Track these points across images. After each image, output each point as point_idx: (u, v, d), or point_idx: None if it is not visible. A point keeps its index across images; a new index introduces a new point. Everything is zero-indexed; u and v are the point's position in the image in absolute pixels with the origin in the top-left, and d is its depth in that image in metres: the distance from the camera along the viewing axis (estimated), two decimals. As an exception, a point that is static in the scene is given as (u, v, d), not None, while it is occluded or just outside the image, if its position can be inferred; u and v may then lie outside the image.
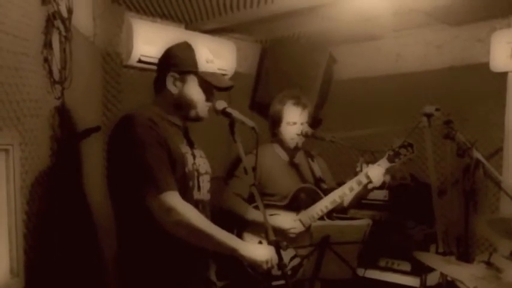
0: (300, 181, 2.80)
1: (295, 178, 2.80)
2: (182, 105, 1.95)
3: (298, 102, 2.77)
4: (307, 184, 2.79)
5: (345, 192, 2.65)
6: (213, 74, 1.97)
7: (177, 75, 1.93)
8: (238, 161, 2.72)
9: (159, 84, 1.97)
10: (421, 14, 3.04)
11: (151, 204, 1.75)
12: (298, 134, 2.75)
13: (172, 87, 1.93)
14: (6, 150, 1.57)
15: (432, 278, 2.79)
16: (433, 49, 3.41)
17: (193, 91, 1.95)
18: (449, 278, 2.50)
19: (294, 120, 2.75)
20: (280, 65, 3.65)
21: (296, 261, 2.35)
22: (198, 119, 2.00)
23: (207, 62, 1.96)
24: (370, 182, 2.62)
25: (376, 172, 2.62)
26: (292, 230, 2.62)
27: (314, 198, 2.71)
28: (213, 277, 2.04)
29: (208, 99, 1.98)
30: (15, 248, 1.61)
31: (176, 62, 1.94)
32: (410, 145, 2.63)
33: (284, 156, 2.85)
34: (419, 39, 3.47)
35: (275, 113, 2.81)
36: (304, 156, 2.94)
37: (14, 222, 1.60)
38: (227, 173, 2.89)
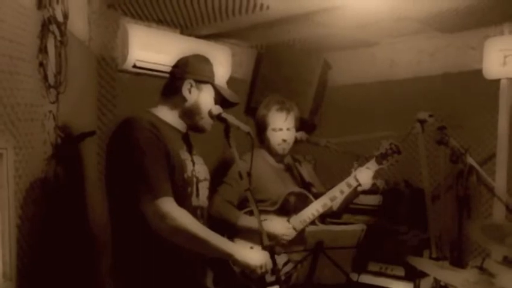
0: (289, 186, 2.79)
1: (285, 183, 2.79)
2: (192, 113, 1.99)
3: (282, 108, 2.76)
4: (297, 188, 2.79)
5: (335, 195, 2.65)
6: (226, 89, 2.06)
7: (193, 83, 1.96)
8: (224, 166, 2.72)
9: (171, 89, 1.99)
10: (414, 21, 3.07)
11: (146, 209, 1.75)
12: (284, 140, 2.75)
13: (187, 93, 1.96)
14: (0, 154, 1.57)
15: (426, 283, 2.79)
16: (427, 56, 3.44)
17: (208, 101, 2.00)
18: (442, 283, 2.50)
19: (279, 127, 2.75)
20: (275, 71, 3.66)
21: (289, 266, 2.35)
22: (202, 130, 2.03)
23: (221, 77, 2.01)
24: (360, 184, 2.63)
25: (365, 174, 2.63)
26: (284, 237, 2.61)
27: (304, 202, 2.70)
28: (209, 284, 2.04)
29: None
30: (8, 252, 1.60)
31: (196, 70, 1.99)
32: (397, 146, 2.64)
33: (272, 161, 2.84)
34: (413, 46, 3.50)
35: (260, 119, 2.81)
36: (292, 161, 2.94)
37: (7, 226, 1.60)
38: (212, 177, 2.88)
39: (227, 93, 2.06)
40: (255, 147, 2.82)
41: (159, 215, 1.73)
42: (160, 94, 2.03)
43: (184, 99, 1.96)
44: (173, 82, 1.99)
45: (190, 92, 1.96)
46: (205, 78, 1.99)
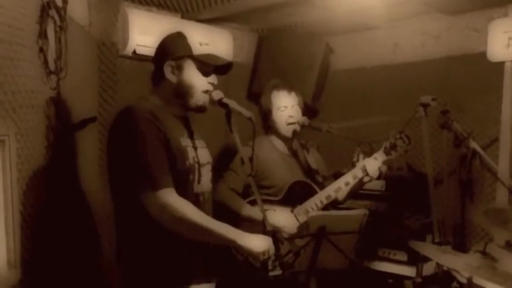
0: (296, 173, 2.78)
1: (291, 170, 2.79)
2: (182, 93, 1.94)
3: (283, 87, 2.78)
4: (302, 178, 2.77)
5: (340, 187, 2.63)
6: (208, 55, 1.97)
7: (173, 63, 1.92)
8: (230, 152, 2.70)
9: (157, 76, 1.96)
10: (418, 3, 3.03)
11: (147, 201, 1.75)
12: (291, 116, 2.73)
13: (171, 76, 1.93)
14: (2, 141, 1.57)
15: (428, 268, 2.80)
16: (430, 39, 3.40)
17: (192, 76, 1.94)
18: (445, 268, 2.51)
19: (284, 104, 2.75)
20: (277, 55, 3.63)
21: (290, 258, 2.35)
22: (198, 108, 1.98)
23: (201, 44, 1.96)
24: (367, 175, 2.61)
25: (372, 166, 2.59)
26: (286, 230, 2.57)
27: (309, 193, 2.68)
28: (214, 269, 2.05)
29: (209, 82, 1.96)
30: (12, 240, 1.61)
31: (170, 50, 1.95)
32: (407, 137, 2.61)
33: (281, 147, 2.83)
34: (416, 29, 3.46)
35: (264, 104, 2.81)
36: (299, 147, 2.93)
37: (10, 213, 1.60)
38: (217, 162, 2.87)
39: (210, 58, 1.97)
40: (262, 135, 2.84)
41: (159, 206, 1.74)
42: (151, 83, 2.00)
43: (171, 82, 1.93)
44: (157, 69, 1.97)
45: (173, 73, 1.93)
46: (181, 53, 1.93)
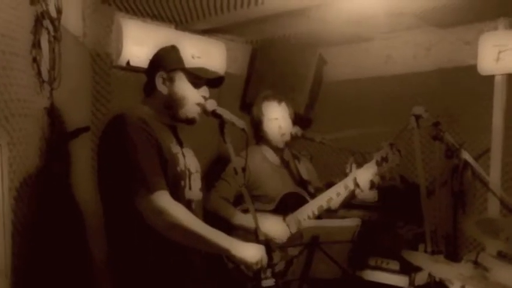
0: (287, 183, 2.79)
1: (283, 180, 2.80)
2: (173, 104, 1.97)
3: (272, 98, 2.82)
4: (294, 189, 2.78)
5: (332, 197, 2.65)
6: (199, 68, 2.01)
7: (165, 75, 1.95)
8: (222, 161, 2.71)
9: (149, 87, 2.00)
10: (410, 16, 3.06)
11: (142, 205, 1.74)
12: (280, 127, 2.75)
13: (162, 87, 1.95)
14: (-6, 150, 1.56)
15: (421, 277, 2.80)
16: (422, 51, 3.43)
17: (183, 88, 1.97)
18: (437, 278, 2.52)
19: (274, 116, 2.78)
20: (271, 66, 3.66)
21: (281, 265, 2.34)
22: (188, 120, 2.00)
23: (193, 57, 1.99)
24: (358, 186, 2.62)
25: (363, 177, 2.60)
26: (278, 240, 2.56)
27: (301, 204, 2.69)
28: (207, 276, 2.04)
29: (200, 95, 1.98)
30: (3, 249, 1.60)
31: (163, 62, 1.98)
32: (398, 150, 2.61)
33: (272, 157, 2.84)
34: (408, 41, 3.49)
35: (255, 115, 2.84)
36: (291, 157, 2.94)
37: (2, 222, 1.59)
38: (209, 172, 2.87)
39: (201, 71, 2.01)
40: (254, 145, 2.85)
41: (154, 210, 1.73)
42: (143, 94, 2.03)
43: (162, 94, 1.96)
44: (149, 80, 2.00)
45: (165, 84, 1.96)
46: (173, 66, 1.97)
